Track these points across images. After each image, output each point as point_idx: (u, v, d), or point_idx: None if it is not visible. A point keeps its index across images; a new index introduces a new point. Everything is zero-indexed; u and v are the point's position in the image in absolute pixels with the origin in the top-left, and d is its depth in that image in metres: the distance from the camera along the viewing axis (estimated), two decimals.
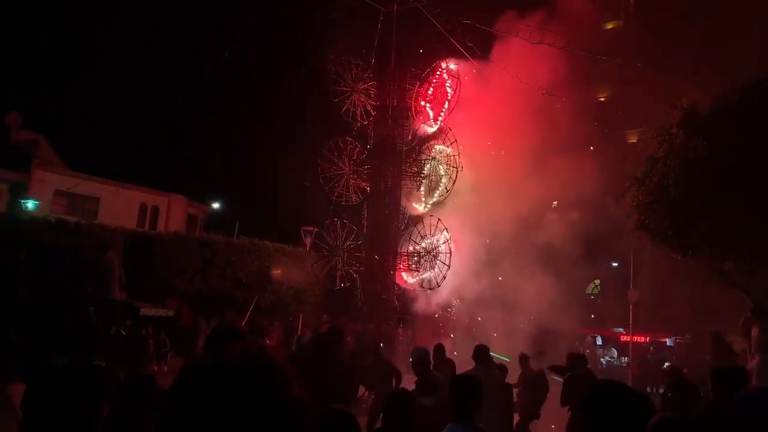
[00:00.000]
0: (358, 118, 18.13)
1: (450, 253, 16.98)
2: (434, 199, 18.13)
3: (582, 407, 2.20)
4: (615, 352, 27.13)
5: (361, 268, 17.44)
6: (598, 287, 31.15)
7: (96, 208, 31.46)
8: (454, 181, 17.73)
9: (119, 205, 30.99)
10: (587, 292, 30.64)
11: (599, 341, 27.53)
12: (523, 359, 11.15)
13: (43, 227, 20.24)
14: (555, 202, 20.03)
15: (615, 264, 29.58)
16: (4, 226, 18.21)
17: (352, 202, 18.01)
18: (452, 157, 17.79)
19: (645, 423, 2.14)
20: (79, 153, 44.22)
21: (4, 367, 7.76)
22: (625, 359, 26.13)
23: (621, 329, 28.25)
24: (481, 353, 7.76)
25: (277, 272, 22.57)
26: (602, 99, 33.46)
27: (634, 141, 24.59)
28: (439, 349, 9.00)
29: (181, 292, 23.02)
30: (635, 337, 26.10)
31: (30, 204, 26.42)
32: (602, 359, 26.66)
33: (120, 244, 22.69)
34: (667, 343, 28.87)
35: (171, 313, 23.11)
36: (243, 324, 20.29)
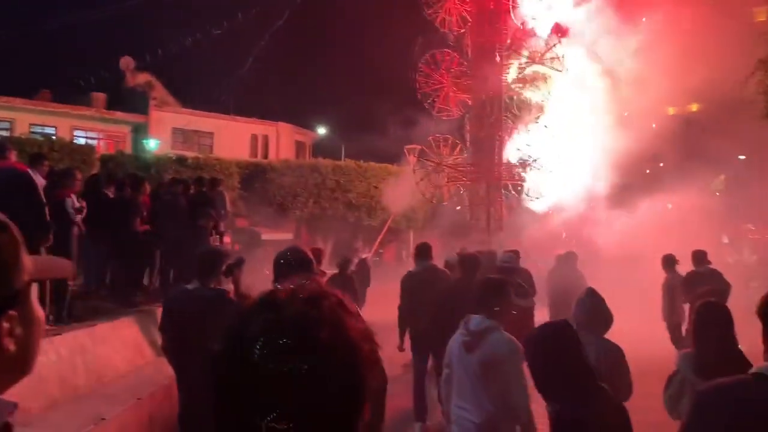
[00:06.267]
0: (455, 27, 17.53)
1: (556, 160, 16.48)
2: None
3: None
4: (743, 251, 25.53)
5: (467, 182, 17.36)
6: (723, 183, 29.15)
7: (211, 143, 33.11)
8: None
9: (231, 138, 32.32)
10: (711, 188, 28.75)
11: (725, 240, 25.97)
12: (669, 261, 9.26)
13: (165, 163, 21.72)
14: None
15: (742, 157, 27.44)
16: (132, 165, 19.70)
17: (454, 115, 17.73)
18: (555, 59, 16.95)
19: None
20: (191, 91, 46.22)
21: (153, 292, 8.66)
22: (755, 257, 24.59)
23: (751, 226, 26.48)
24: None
25: (384, 192, 22.95)
26: None
27: (763, 20, 22.06)
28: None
29: (296, 215, 24.12)
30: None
31: (152, 143, 28.19)
32: (730, 259, 25.16)
33: (236, 174, 23.95)
34: None
35: (290, 236, 24.30)
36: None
